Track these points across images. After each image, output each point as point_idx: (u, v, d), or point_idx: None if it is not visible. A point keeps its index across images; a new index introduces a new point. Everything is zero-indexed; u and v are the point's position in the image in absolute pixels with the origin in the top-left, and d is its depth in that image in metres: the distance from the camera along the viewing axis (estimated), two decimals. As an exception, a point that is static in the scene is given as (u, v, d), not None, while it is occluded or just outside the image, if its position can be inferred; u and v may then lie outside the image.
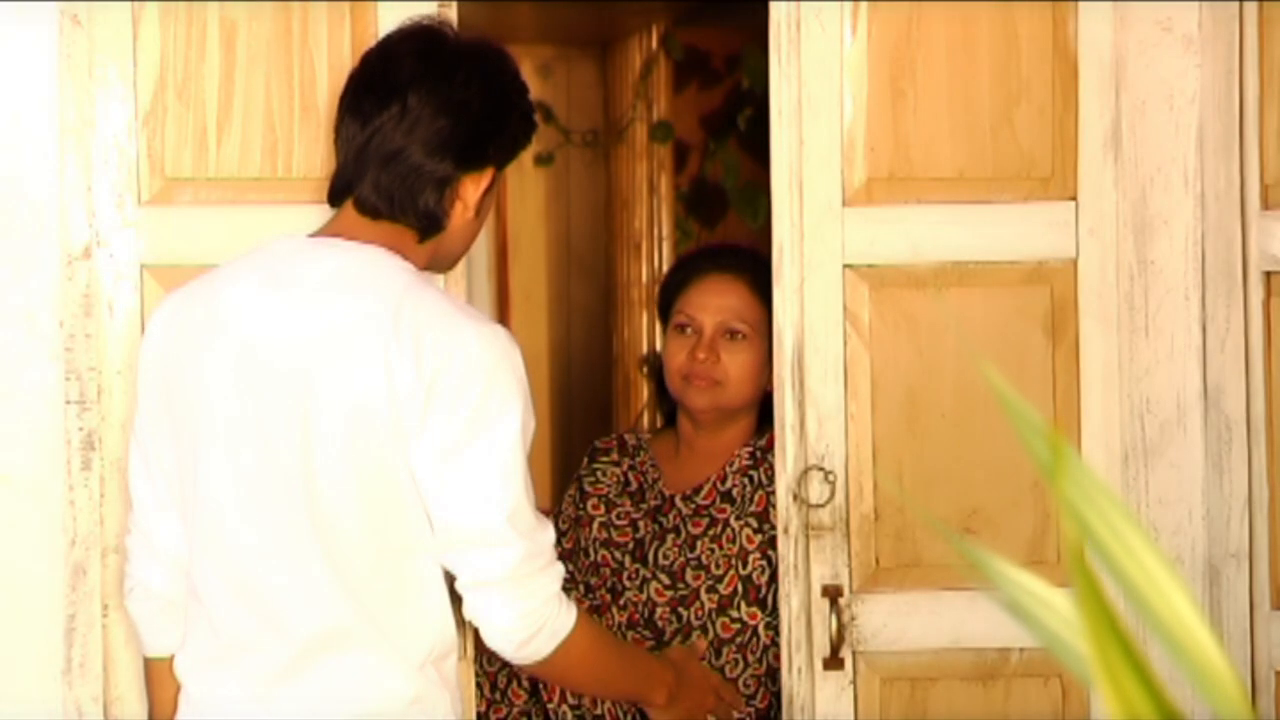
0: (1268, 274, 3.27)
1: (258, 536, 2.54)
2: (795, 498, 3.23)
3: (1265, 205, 3.27)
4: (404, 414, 2.46)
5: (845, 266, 3.24)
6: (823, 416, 3.23)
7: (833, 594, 3.23)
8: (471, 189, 2.63)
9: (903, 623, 3.26)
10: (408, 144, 2.58)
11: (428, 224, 2.60)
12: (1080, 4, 3.26)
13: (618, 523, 3.42)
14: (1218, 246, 3.26)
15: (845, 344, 3.24)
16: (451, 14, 3.03)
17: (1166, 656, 1.16)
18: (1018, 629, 1.17)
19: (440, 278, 2.89)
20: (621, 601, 3.35)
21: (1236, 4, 3.26)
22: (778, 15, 3.22)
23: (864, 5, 3.25)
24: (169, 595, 2.69)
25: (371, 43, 2.98)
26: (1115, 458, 3.26)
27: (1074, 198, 3.28)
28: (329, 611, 2.52)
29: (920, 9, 3.25)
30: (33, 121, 3.05)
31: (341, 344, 2.50)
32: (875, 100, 3.25)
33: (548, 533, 2.55)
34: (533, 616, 2.51)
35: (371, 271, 2.55)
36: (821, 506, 3.23)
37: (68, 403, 3.05)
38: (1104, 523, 1.13)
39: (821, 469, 3.23)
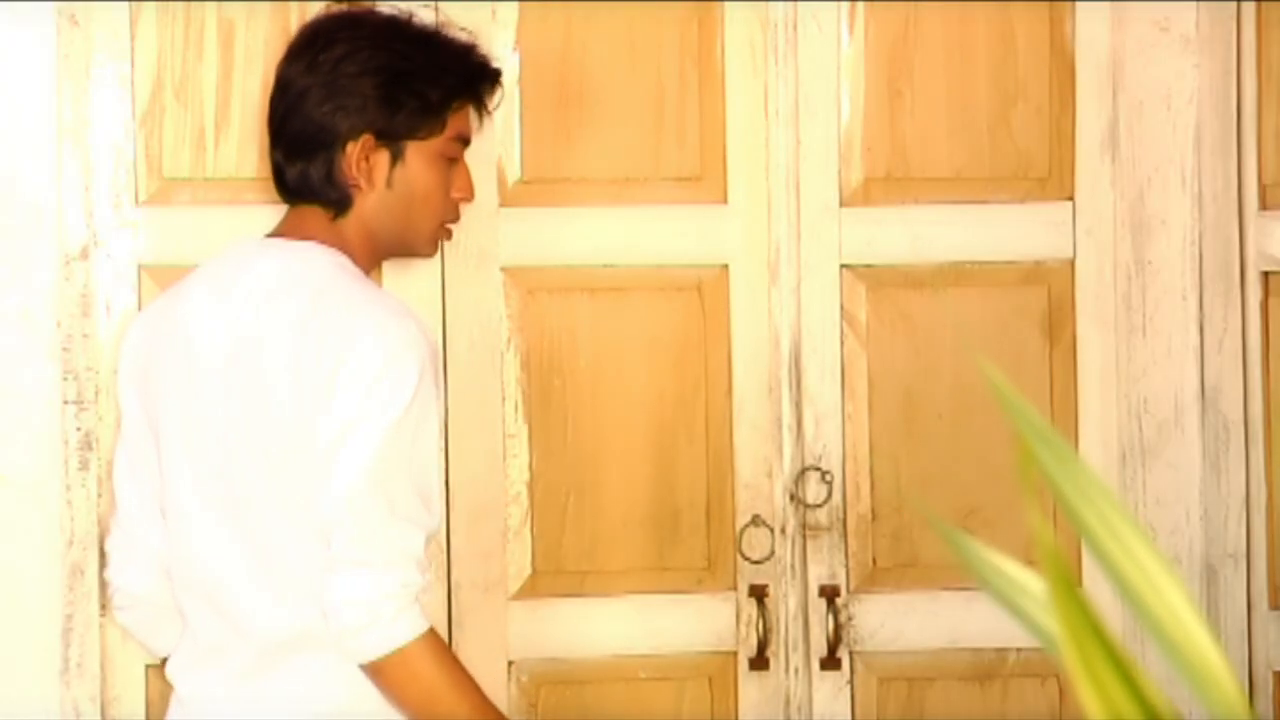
0: (1265, 274, 3.27)
1: (220, 541, 2.55)
2: (792, 498, 3.23)
3: (1263, 205, 3.27)
4: (316, 414, 2.45)
5: (842, 267, 3.24)
6: (820, 417, 3.23)
7: (830, 594, 3.23)
8: (355, 153, 2.61)
9: (900, 623, 3.26)
10: (288, 115, 2.62)
11: (327, 195, 2.61)
12: (1077, 4, 3.26)
13: None
14: (1215, 247, 3.26)
15: (842, 344, 3.24)
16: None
17: (1164, 656, 1.16)
18: (1015, 629, 1.17)
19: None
20: None
21: (1234, 4, 3.26)
22: (774, 16, 3.22)
23: (861, 5, 3.25)
24: (151, 596, 2.70)
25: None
26: (1113, 458, 3.26)
27: (1071, 198, 3.28)
28: (294, 612, 2.52)
29: (917, 9, 3.26)
30: (30, 122, 3.05)
31: (267, 350, 2.51)
32: (872, 101, 3.26)
33: (401, 535, 2.45)
34: (361, 608, 2.43)
35: (299, 270, 2.56)
36: (819, 507, 3.23)
37: (65, 403, 3.05)
38: (1101, 521, 1.13)
39: (818, 469, 3.23)
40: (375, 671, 2.47)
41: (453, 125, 2.68)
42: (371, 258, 2.65)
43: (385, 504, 2.44)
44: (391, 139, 2.62)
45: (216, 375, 2.54)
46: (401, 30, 2.68)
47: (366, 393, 2.44)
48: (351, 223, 2.62)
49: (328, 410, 2.45)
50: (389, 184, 2.62)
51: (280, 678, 2.53)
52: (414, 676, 2.46)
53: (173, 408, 2.59)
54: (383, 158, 2.62)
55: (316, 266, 2.56)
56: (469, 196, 2.74)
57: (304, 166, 2.61)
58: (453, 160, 2.69)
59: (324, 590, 2.44)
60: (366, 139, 2.60)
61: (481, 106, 2.77)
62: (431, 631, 2.48)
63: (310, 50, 2.63)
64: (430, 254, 2.77)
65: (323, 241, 2.60)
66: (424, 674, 2.47)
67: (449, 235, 2.77)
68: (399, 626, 2.45)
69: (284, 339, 2.49)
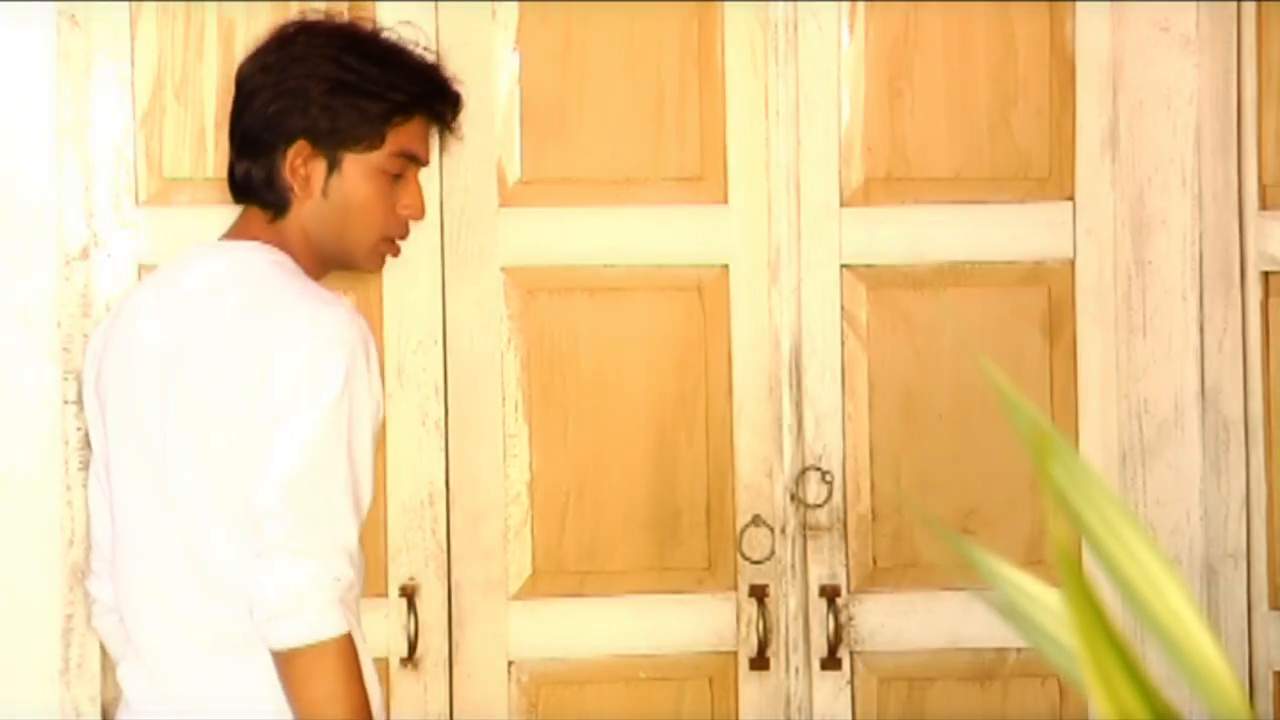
0: (1265, 274, 3.27)
1: (159, 541, 2.55)
2: (793, 498, 3.23)
3: (1263, 205, 3.27)
4: (250, 409, 2.46)
5: (843, 267, 3.24)
6: (820, 417, 3.23)
7: (830, 594, 3.23)
8: (294, 159, 2.59)
9: (900, 623, 3.26)
10: (240, 112, 2.63)
11: (265, 197, 2.59)
12: (1078, 4, 3.26)
13: None
14: (1215, 247, 3.26)
15: (843, 344, 3.24)
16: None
17: (1164, 656, 1.16)
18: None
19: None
20: None
21: (1234, 4, 3.26)
22: (774, 16, 3.22)
23: (861, 6, 3.25)
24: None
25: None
26: (1113, 458, 3.26)
27: (1071, 198, 3.28)
28: (232, 613, 2.51)
29: (918, 9, 3.26)
30: (30, 122, 3.05)
31: (204, 348, 2.51)
32: (873, 101, 3.26)
33: (335, 529, 2.44)
34: (290, 594, 2.41)
35: (235, 270, 2.56)
36: (819, 507, 3.23)
37: (65, 403, 3.05)
38: (1101, 521, 1.13)
39: (819, 469, 3.23)
40: (287, 660, 2.46)
41: (394, 141, 2.63)
42: (314, 264, 2.63)
43: (318, 493, 2.44)
44: (327, 148, 2.60)
45: (156, 375, 2.55)
46: (358, 42, 2.66)
47: (295, 384, 2.45)
48: (291, 226, 2.61)
49: (262, 404, 2.45)
50: (324, 193, 2.61)
51: (220, 679, 2.53)
52: (323, 673, 2.45)
53: (117, 408, 2.59)
54: (319, 166, 2.60)
55: (252, 265, 2.56)
56: (418, 214, 2.67)
57: (249, 166, 2.62)
58: (397, 176, 2.65)
59: (251, 574, 2.44)
60: (301, 145, 2.59)
61: (442, 126, 2.73)
62: (349, 636, 2.48)
63: (267, 51, 2.64)
64: (372, 268, 2.70)
65: (266, 242, 2.60)
66: (332, 673, 2.46)
67: (395, 251, 2.67)
68: (325, 620, 2.44)
69: (219, 336, 2.50)
